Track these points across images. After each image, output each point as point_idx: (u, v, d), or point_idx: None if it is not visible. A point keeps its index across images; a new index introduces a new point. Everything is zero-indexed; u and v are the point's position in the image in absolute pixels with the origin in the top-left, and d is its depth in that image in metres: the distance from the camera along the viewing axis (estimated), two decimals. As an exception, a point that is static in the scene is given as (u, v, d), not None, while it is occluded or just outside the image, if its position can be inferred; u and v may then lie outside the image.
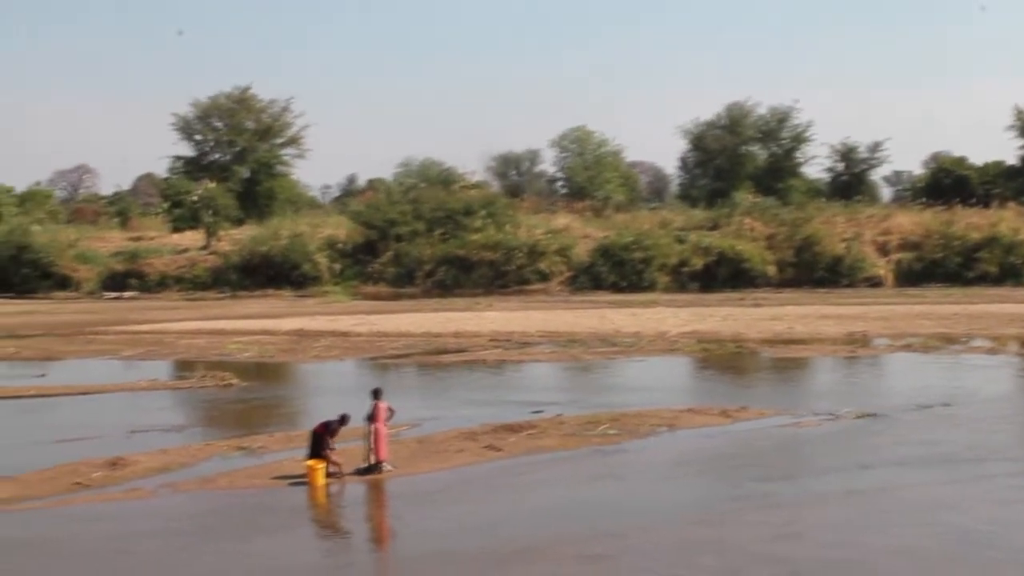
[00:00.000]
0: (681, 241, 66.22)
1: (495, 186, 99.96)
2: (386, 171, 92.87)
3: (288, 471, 16.43)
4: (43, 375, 28.98)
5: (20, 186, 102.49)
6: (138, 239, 78.53)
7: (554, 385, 27.13)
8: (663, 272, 64.11)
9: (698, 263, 64.17)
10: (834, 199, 77.54)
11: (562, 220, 74.11)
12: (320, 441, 16.06)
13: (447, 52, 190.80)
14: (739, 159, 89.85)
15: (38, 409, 23.76)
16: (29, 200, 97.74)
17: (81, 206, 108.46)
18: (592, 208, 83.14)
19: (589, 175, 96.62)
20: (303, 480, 15.74)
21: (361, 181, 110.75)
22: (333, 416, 16.41)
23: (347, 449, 16.44)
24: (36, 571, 12.22)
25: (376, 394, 16.73)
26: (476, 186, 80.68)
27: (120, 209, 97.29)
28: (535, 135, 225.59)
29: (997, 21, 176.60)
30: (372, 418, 16.28)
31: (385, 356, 32.27)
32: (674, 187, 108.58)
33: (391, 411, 16.70)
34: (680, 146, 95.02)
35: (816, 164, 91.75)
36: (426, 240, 67.79)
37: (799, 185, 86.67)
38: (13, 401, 24.65)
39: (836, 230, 66.88)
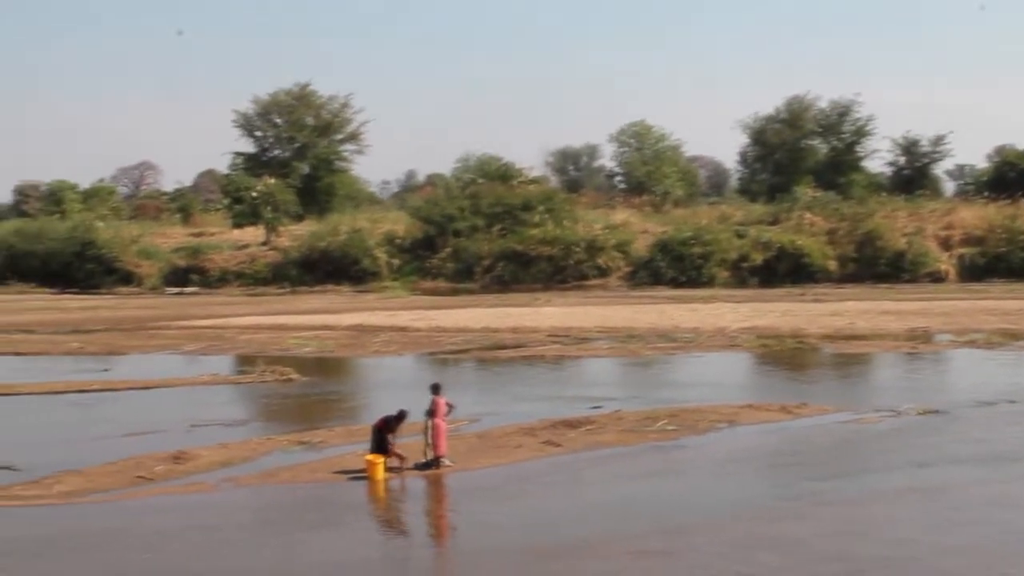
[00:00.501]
0: (741, 236, 65.82)
1: (554, 181, 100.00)
2: (445, 166, 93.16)
3: (348, 466, 16.50)
4: (107, 370, 29.32)
5: (84, 183, 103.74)
6: (199, 235, 79.18)
7: (612, 381, 27.08)
8: (722, 267, 63.77)
9: (758, 258, 63.75)
10: (896, 193, 76.55)
11: (621, 215, 73.91)
12: (382, 436, 16.10)
13: (506, 47, 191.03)
14: (799, 153, 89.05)
15: (102, 403, 24.01)
16: (93, 197, 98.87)
17: (144, 202, 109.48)
18: (651, 203, 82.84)
19: (648, 170, 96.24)
20: (363, 475, 15.80)
21: (420, 176, 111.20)
22: (392, 412, 16.44)
23: (406, 444, 16.48)
24: (100, 563, 12.36)
25: (435, 389, 16.76)
26: (535, 181, 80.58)
27: (182, 205, 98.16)
28: (594, 130, 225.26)
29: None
30: (431, 413, 16.32)
31: (444, 351, 32.33)
32: (734, 182, 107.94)
33: (450, 406, 16.72)
34: (740, 140, 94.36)
35: (878, 158, 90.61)
36: (484, 235, 67.83)
37: (860, 179, 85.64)
38: (78, 395, 24.93)
39: (898, 224, 66.12)
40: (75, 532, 13.53)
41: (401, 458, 16.10)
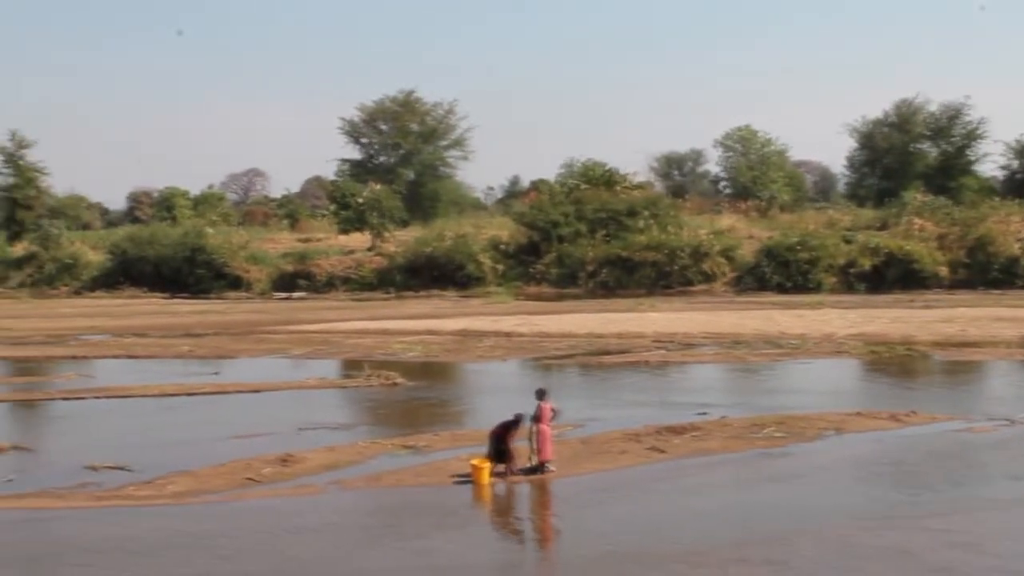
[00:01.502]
0: (848, 241, 64.89)
1: (658, 186, 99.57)
2: (549, 172, 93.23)
3: (454, 470, 16.56)
4: (217, 373, 29.77)
5: (195, 190, 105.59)
6: (306, 241, 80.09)
7: (718, 387, 26.86)
8: (830, 273, 62.91)
9: (866, 264, 62.74)
10: (1009, 198, 74.95)
11: (726, 220, 73.41)
12: (501, 442, 16.08)
13: (610, 51, 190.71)
14: (908, 157, 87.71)
15: (212, 406, 24.39)
16: (203, 203, 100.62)
17: (252, 208, 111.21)
18: (757, 208, 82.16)
19: (754, 175, 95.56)
20: (468, 479, 15.84)
21: (524, 182, 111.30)
22: (507, 416, 16.44)
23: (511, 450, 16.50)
24: (209, 563, 12.53)
25: (540, 395, 16.75)
26: (639, 187, 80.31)
27: (289, 211, 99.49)
28: (699, 135, 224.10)
29: None
30: (536, 418, 16.32)
31: (548, 357, 32.32)
32: (841, 187, 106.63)
33: (555, 412, 16.70)
34: (848, 144, 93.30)
35: (990, 162, 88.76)
36: (589, 241, 67.74)
37: (971, 184, 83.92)
38: (189, 398, 25.35)
39: (1011, 229, 64.54)
40: (186, 532, 13.75)
41: (514, 464, 16.06)
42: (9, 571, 12.30)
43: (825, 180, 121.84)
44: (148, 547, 13.07)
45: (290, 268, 71.87)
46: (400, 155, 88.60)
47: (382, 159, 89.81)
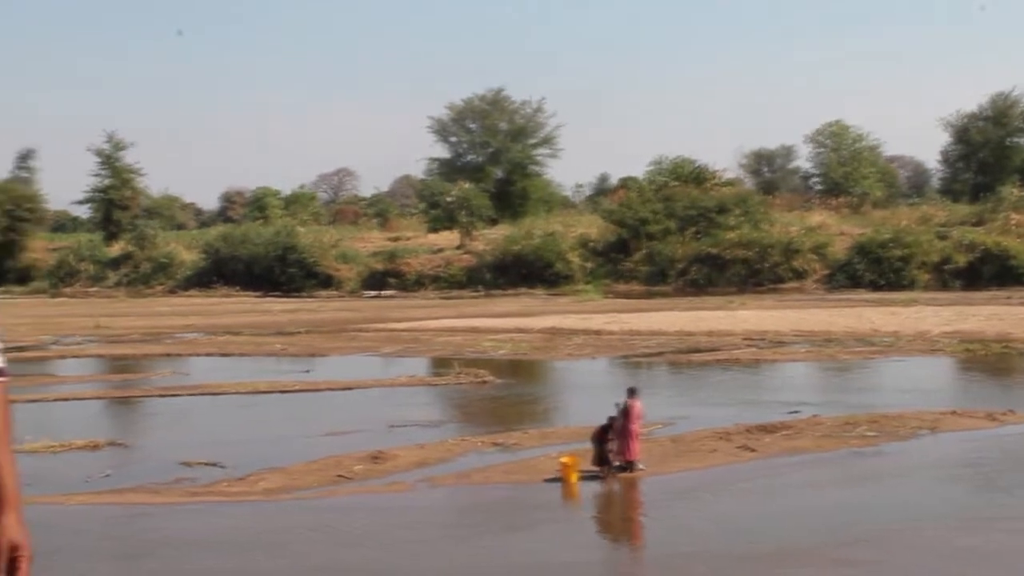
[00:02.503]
0: (943, 238, 63.91)
1: (748, 183, 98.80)
2: (638, 169, 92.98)
3: (542, 468, 16.55)
4: (308, 371, 30.07)
5: (286, 189, 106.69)
6: (396, 239, 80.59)
7: (810, 385, 26.61)
8: (924, 270, 62.02)
9: (961, 260, 61.76)
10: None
11: (817, 217, 72.67)
12: (602, 445, 16.01)
13: (699, 47, 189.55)
14: (1005, 152, 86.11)
15: (304, 403, 24.63)
16: (294, 203, 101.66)
17: (342, 208, 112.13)
18: (848, 204, 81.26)
19: (845, 171, 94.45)
20: (557, 477, 15.83)
21: (613, 180, 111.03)
22: (603, 414, 16.39)
23: (591, 449, 16.44)
24: (298, 558, 12.64)
25: (631, 393, 16.69)
26: (729, 183, 79.83)
27: (379, 210, 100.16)
28: (789, 131, 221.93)
29: None
30: (626, 416, 16.26)
31: (637, 354, 32.21)
32: (935, 182, 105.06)
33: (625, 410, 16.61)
34: (942, 139, 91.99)
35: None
36: (678, 238, 67.46)
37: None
38: (281, 395, 25.64)
39: (1113, 224, 63.34)
40: (278, 528, 13.89)
41: (609, 464, 15.96)
42: (107, 565, 12.53)
43: (918, 175, 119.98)
44: (240, 543, 13.23)
45: (380, 267, 72.37)
46: (489, 153, 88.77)
47: (471, 158, 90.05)
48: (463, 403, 24.45)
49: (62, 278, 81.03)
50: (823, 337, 35.32)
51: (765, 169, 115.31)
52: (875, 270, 62.16)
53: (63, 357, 35.73)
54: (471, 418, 22.72)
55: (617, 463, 16.14)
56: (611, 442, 15.99)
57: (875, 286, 60.62)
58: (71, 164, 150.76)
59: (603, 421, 16.28)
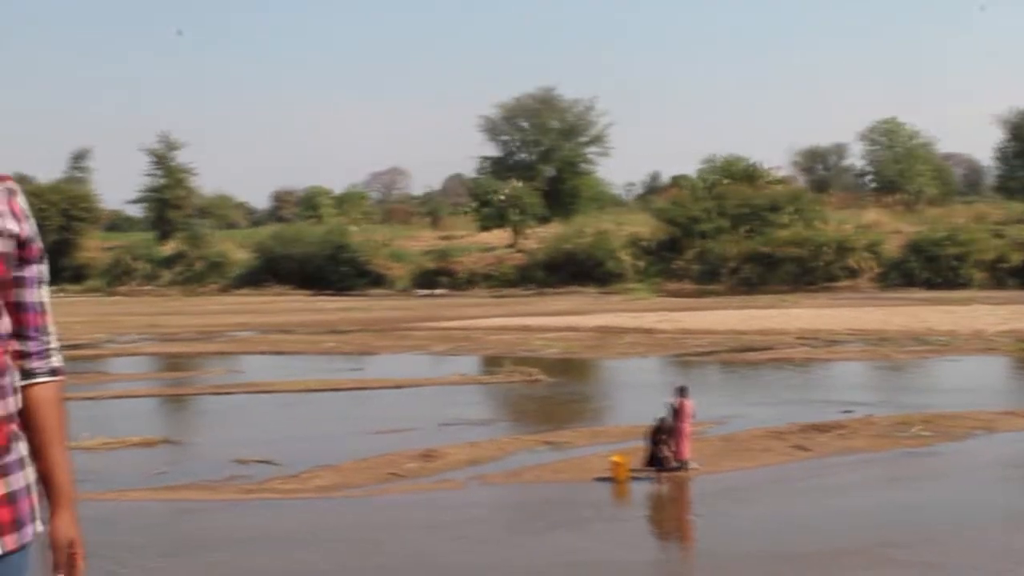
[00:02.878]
0: (998, 236, 63.25)
1: (801, 181, 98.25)
2: (689, 167, 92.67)
3: (593, 467, 16.53)
4: (360, 369, 30.20)
5: (338, 188, 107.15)
6: (447, 238, 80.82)
7: (863, 384, 26.42)
8: (979, 268, 61.42)
9: (1017, 259, 61.12)
10: None
11: (871, 215, 72.19)
12: (657, 446, 15.94)
13: (749, 45, 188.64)
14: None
15: (356, 401, 24.75)
16: (346, 201, 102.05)
17: (394, 206, 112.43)
18: (903, 202, 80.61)
19: (899, 168, 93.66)
20: (607, 476, 15.79)
21: (664, 178, 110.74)
22: (654, 413, 16.34)
23: (642, 447, 16.40)
24: (352, 555, 12.69)
25: (682, 392, 16.63)
26: (781, 181, 79.45)
27: (430, 209, 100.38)
28: (842, 128, 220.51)
29: None
30: (677, 416, 16.20)
31: (689, 353, 32.12)
32: (991, 179, 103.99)
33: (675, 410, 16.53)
34: (997, 136, 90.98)
35: None
36: (730, 237, 67.24)
37: None
38: (333, 393, 25.76)
39: None
40: (331, 525, 13.94)
41: (666, 464, 15.86)
42: (162, 561, 12.62)
43: (973, 173, 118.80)
44: (293, 540, 13.29)
45: (431, 265, 72.59)
46: (540, 152, 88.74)
47: (522, 156, 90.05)
48: (514, 401, 24.47)
49: (116, 277, 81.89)
50: (877, 336, 35.06)
51: (818, 167, 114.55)
52: (930, 268, 61.66)
53: (117, 355, 36.08)
54: (522, 416, 22.73)
55: (672, 464, 16.02)
56: (663, 444, 15.88)
57: (929, 284, 60.12)
58: (125, 164, 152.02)
59: (654, 421, 16.23)
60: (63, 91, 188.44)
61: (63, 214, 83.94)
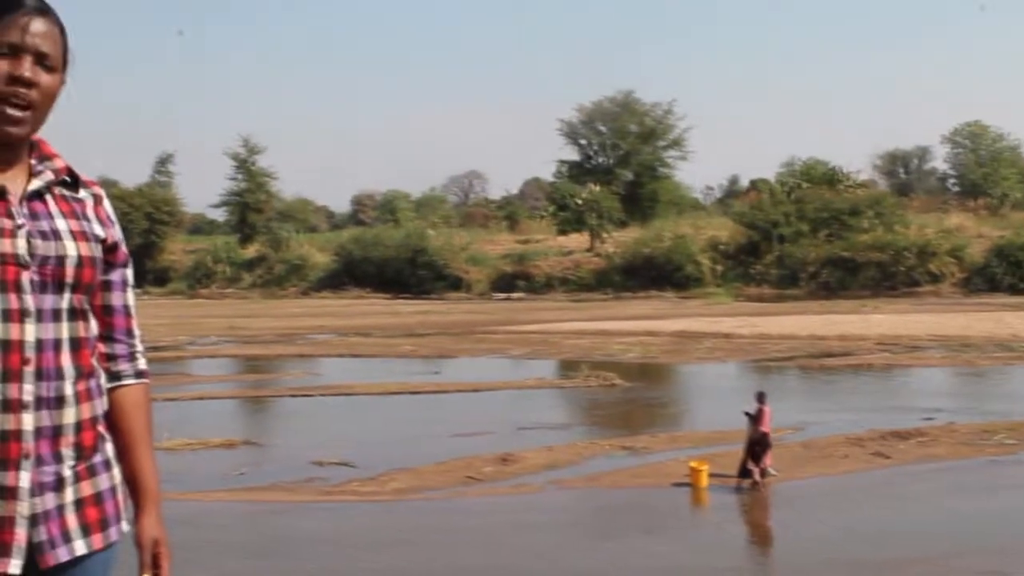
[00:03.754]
0: (1087, 241, 62.18)
1: (882, 185, 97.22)
2: (769, 171, 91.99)
3: (671, 472, 16.47)
4: (437, 372, 30.30)
5: (416, 192, 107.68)
6: (525, 242, 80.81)
7: (945, 391, 26.05)
8: (1066, 274, 60.39)
9: (1106, 263, 60.04)
10: None
11: (954, 219, 71.13)
12: (755, 451, 15.78)
13: (829, 46, 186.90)
14: None
15: (433, 404, 24.84)
16: (424, 205, 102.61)
17: (472, 210, 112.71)
18: (987, 206, 79.40)
19: (984, 172, 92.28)
20: (686, 482, 15.72)
21: (743, 182, 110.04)
22: (732, 419, 16.22)
23: (726, 453, 16.33)
24: (429, 558, 12.74)
25: (760, 398, 16.50)
26: (862, 185, 78.63)
27: (508, 213, 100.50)
28: (925, 131, 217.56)
29: None
30: (755, 421, 16.08)
31: (768, 359, 31.90)
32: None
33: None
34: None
35: None
36: (810, 241, 66.64)
37: None
38: (411, 396, 25.87)
39: None
40: (408, 528, 14.00)
41: (752, 472, 15.69)
42: (242, 561, 12.75)
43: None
44: (371, 541, 13.38)
45: (509, 269, 72.64)
46: (618, 156, 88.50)
47: (600, 160, 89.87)
48: (591, 406, 24.42)
49: (199, 279, 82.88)
50: (960, 342, 34.59)
51: (900, 170, 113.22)
52: (1015, 273, 60.67)
53: (199, 357, 36.49)
54: (599, 421, 22.68)
55: (756, 478, 15.79)
56: (757, 458, 15.62)
57: (1014, 290, 59.16)
58: (208, 168, 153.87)
59: (738, 427, 16.13)
60: (149, 95, 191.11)
61: (147, 218, 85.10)
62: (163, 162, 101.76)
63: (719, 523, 14.96)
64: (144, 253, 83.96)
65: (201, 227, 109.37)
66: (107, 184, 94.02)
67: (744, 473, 15.63)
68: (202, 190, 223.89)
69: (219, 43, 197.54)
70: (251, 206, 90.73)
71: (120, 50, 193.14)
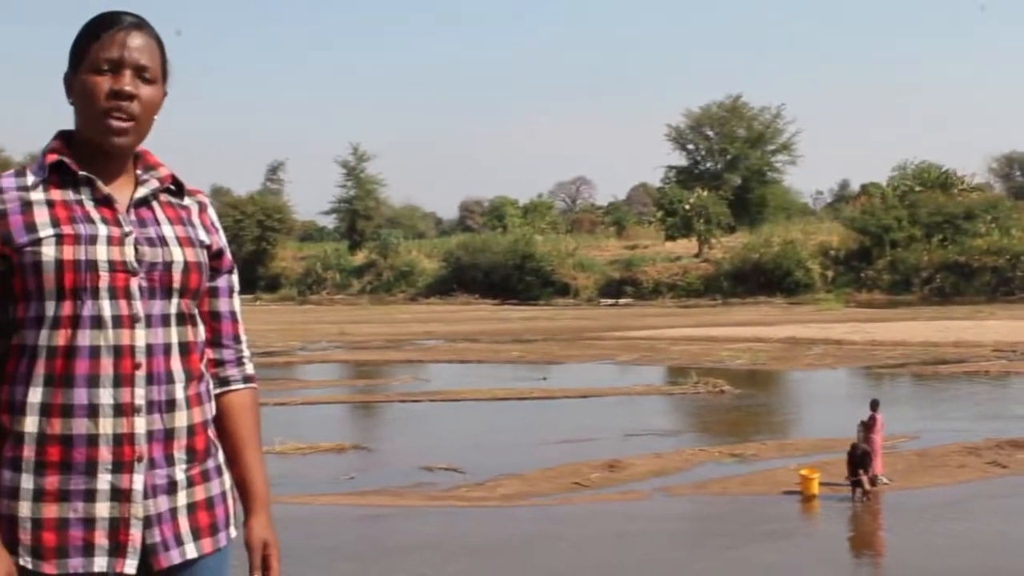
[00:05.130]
0: None
1: (998, 188, 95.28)
2: (880, 175, 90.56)
3: (780, 480, 16.29)
4: (545, 378, 30.29)
5: (523, 198, 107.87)
6: (633, 247, 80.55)
7: (1065, 399, 25.45)
8: None
9: None
10: None
11: (1072, 223, 69.51)
12: (863, 463, 15.49)
13: (944, 49, 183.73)
14: None
15: (540, 410, 24.84)
16: (532, 211, 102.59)
17: (579, 216, 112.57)
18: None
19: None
20: (796, 490, 15.54)
21: (854, 186, 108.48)
22: (843, 427, 16.00)
23: (837, 461, 16.09)
24: (535, 564, 12.74)
25: (874, 405, 16.26)
26: (977, 189, 77.15)
27: (615, 219, 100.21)
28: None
29: None
30: (868, 429, 15.83)
31: (879, 365, 31.40)
32: None
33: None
34: None
35: None
36: (923, 246, 65.53)
37: None
38: (518, 402, 25.90)
39: None
40: (516, 534, 14.03)
41: (861, 481, 15.41)
42: (353, 565, 12.87)
43: None
44: (479, 548, 13.42)
45: (616, 275, 72.45)
46: (726, 161, 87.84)
47: (708, 165, 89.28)
48: (700, 413, 24.25)
49: (309, 286, 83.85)
50: (1080, 349, 33.76)
51: (1017, 173, 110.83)
52: None
53: (309, 362, 36.90)
54: (708, 428, 22.51)
55: (866, 487, 15.47)
56: (864, 469, 15.36)
57: None
58: (318, 176, 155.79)
59: (850, 435, 15.90)
60: (260, 105, 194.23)
61: (259, 225, 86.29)
62: (274, 170, 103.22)
63: (831, 532, 14.75)
64: (256, 260, 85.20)
65: (311, 234, 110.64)
66: (220, 192, 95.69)
67: (855, 483, 15.39)
68: (313, 197, 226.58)
69: (342, 56, 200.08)
70: (360, 213, 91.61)
71: (235, 64, 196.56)
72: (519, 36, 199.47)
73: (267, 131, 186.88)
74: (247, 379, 3.21)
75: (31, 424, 2.84)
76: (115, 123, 2.91)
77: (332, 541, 13.66)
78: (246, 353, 3.25)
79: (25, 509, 2.84)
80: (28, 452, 2.84)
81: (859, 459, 15.33)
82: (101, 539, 2.85)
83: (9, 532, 2.84)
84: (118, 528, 2.86)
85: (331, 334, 46.52)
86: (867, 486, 15.25)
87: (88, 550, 2.84)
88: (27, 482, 2.84)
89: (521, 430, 22.20)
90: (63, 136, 3.00)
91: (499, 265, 74.95)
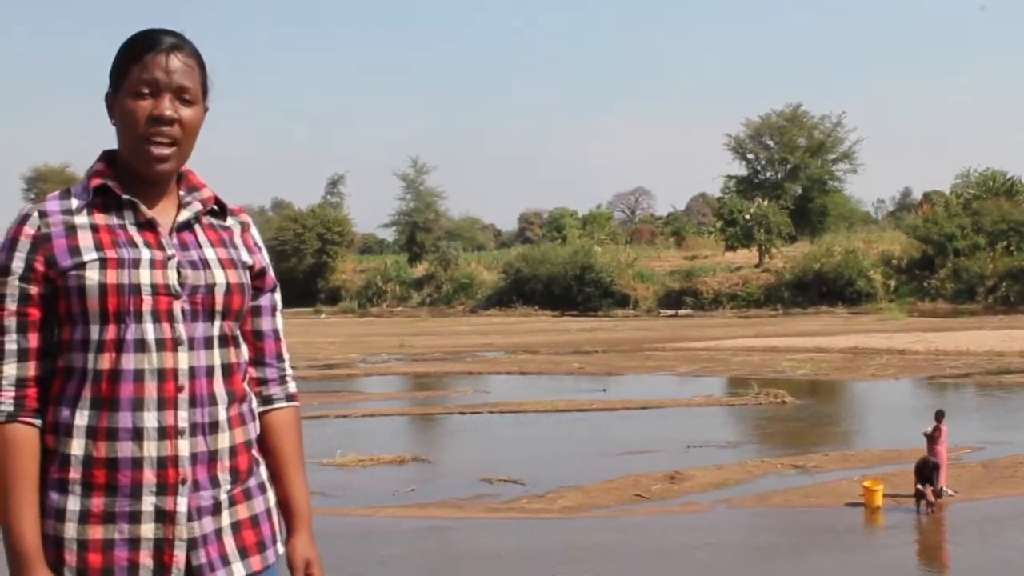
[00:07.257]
0: None
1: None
2: (943, 183, 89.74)
3: (843, 492, 16.13)
4: (604, 390, 30.21)
5: (583, 209, 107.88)
6: (692, 258, 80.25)
7: None
8: None
9: None
10: None
11: None
12: (928, 476, 15.29)
13: (1004, 56, 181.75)
14: None
15: (601, 422, 24.76)
16: (591, 222, 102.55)
17: (638, 227, 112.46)
18: None
19: None
20: (859, 502, 15.37)
21: (916, 194, 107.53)
22: (907, 437, 15.84)
23: (901, 472, 15.90)
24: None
25: (939, 416, 16.05)
26: (1044, 195, 76.15)
27: (675, 229, 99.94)
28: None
29: None
30: (933, 440, 15.63)
31: (944, 375, 31.05)
32: None
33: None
34: None
35: None
36: (988, 254, 64.76)
37: None
38: (578, 413, 25.84)
39: None
40: (577, 545, 13.99)
41: (928, 493, 15.21)
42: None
43: None
44: (540, 559, 13.39)
45: (676, 285, 72.15)
46: (787, 170, 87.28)
47: (768, 174, 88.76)
48: (761, 424, 24.08)
49: (369, 298, 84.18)
50: None
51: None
52: None
53: (369, 375, 37.03)
54: (769, 439, 22.34)
55: (931, 500, 15.25)
56: (929, 483, 15.14)
57: None
58: (378, 188, 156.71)
59: (914, 446, 15.70)
60: (321, 118, 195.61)
61: (319, 238, 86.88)
62: (334, 183, 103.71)
63: (896, 544, 14.57)
64: (316, 273, 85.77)
65: (371, 246, 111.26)
66: (281, 205, 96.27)
67: (918, 495, 15.19)
68: (372, 210, 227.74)
69: (401, 68, 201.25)
70: (420, 225, 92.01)
71: (297, 81, 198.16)
72: (580, 47, 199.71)
73: (327, 144, 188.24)
74: (290, 397, 3.23)
75: (77, 447, 2.86)
76: (156, 150, 2.92)
77: (394, 553, 13.67)
78: (289, 371, 3.27)
79: (71, 530, 2.86)
80: (74, 474, 2.86)
81: (927, 471, 15.13)
82: (146, 559, 2.87)
83: (55, 553, 2.86)
84: (163, 549, 2.88)
85: (391, 346, 46.68)
86: (931, 498, 15.05)
87: (133, 571, 2.86)
88: (73, 504, 2.86)
89: (581, 442, 22.15)
90: (107, 157, 3.01)
91: (558, 276, 74.86)
